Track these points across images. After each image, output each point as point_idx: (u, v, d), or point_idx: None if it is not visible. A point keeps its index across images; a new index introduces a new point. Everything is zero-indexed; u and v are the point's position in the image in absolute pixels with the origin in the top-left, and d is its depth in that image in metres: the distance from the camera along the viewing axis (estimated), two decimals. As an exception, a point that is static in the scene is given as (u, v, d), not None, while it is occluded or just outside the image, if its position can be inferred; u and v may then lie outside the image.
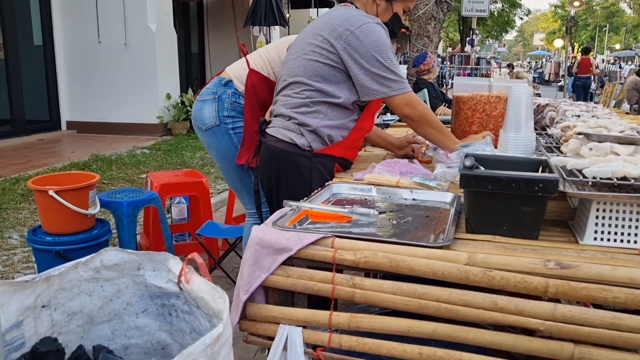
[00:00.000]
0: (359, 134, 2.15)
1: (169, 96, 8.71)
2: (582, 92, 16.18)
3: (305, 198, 1.74)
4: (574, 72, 16.92)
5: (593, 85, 17.01)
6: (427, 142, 2.28)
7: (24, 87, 8.06)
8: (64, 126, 8.82)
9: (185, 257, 1.22)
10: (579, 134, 1.65)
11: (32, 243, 2.63)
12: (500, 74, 18.47)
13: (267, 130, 2.12)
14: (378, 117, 2.75)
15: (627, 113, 3.24)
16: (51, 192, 2.49)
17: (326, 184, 1.92)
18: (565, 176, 1.41)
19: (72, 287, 1.24)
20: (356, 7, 2.13)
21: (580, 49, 16.30)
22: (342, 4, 2.17)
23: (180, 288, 1.23)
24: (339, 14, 2.05)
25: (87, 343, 1.27)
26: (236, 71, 2.62)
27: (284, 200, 1.64)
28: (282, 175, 2.06)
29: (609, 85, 10.24)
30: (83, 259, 1.25)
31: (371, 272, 1.62)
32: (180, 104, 8.80)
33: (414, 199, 1.77)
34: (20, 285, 1.15)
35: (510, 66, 21.93)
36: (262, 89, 2.55)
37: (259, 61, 2.58)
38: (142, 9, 8.33)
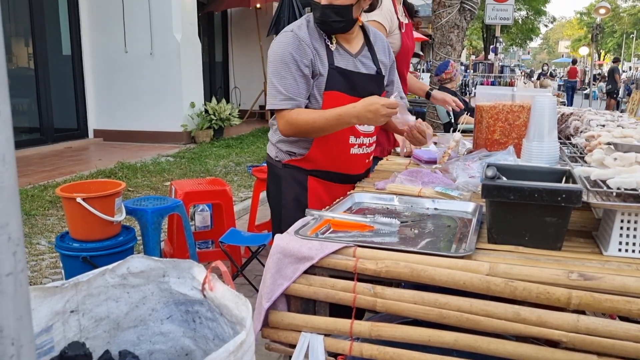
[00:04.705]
0: (323, 147, 2.05)
1: (193, 105, 8.81)
2: (570, 91, 20.70)
3: (327, 207, 1.75)
4: (565, 77, 23.04)
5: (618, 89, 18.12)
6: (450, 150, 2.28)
7: (52, 96, 8.24)
8: (91, 134, 8.99)
9: (209, 265, 1.24)
10: (608, 143, 1.63)
11: (60, 249, 2.68)
12: (525, 83, 18.32)
13: None
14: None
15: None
16: (79, 200, 2.55)
17: (347, 193, 1.93)
18: (589, 186, 1.40)
19: (99, 293, 1.27)
20: None
21: (572, 60, 22.37)
22: None
23: (204, 295, 1.26)
24: None
25: (113, 348, 1.30)
26: None
27: (306, 210, 1.66)
28: (269, 183, 2.22)
29: (636, 93, 10.06)
30: (110, 266, 1.28)
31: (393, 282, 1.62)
32: (204, 113, 8.89)
33: (435, 209, 1.77)
34: (50, 290, 1.18)
35: (529, 76, 22.31)
36: None
37: None
38: (167, 19, 8.47)
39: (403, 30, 2.80)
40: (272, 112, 2.04)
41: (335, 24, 1.97)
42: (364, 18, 2.75)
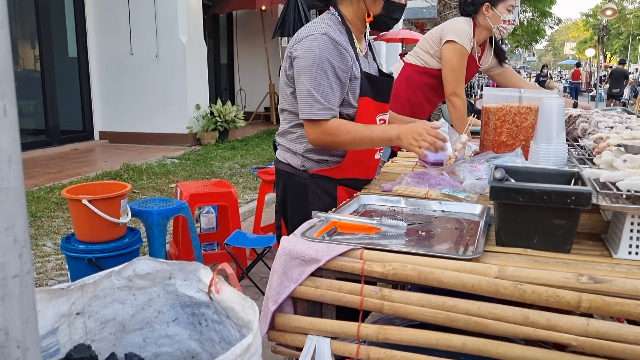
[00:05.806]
0: (355, 154, 1.99)
1: (198, 107, 8.83)
2: (574, 93, 22.19)
3: (334, 209, 1.74)
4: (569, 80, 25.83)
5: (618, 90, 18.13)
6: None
7: (58, 97, 8.28)
8: (96, 136, 9.02)
9: (216, 267, 1.24)
10: (618, 145, 1.62)
11: (66, 251, 2.69)
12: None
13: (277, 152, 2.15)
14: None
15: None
16: (85, 201, 2.55)
17: (354, 195, 1.92)
18: (598, 189, 1.39)
19: (105, 295, 1.27)
20: (338, 10, 1.97)
21: (575, 62, 25.92)
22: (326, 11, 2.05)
23: (211, 298, 1.25)
24: (299, 30, 1.96)
25: (119, 350, 1.30)
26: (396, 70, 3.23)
27: (312, 211, 1.65)
28: (288, 194, 2.06)
29: (643, 94, 10.02)
30: (116, 268, 1.28)
31: (399, 284, 1.60)
32: (209, 115, 8.91)
33: (442, 211, 1.76)
34: (56, 292, 1.18)
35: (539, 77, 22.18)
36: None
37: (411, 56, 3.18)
38: (173, 22, 8.49)
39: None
40: (277, 114, 2.02)
41: (396, 21, 2.02)
42: (445, 37, 2.99)
